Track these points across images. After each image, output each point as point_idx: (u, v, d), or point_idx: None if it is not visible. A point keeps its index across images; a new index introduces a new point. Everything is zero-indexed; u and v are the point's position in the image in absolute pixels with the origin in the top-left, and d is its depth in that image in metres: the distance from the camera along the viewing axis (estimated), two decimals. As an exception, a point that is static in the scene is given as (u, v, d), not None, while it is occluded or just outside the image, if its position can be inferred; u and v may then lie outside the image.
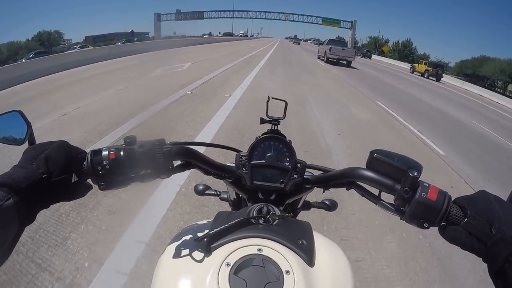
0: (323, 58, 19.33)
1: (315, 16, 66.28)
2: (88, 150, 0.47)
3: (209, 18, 71.74)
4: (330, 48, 17.26)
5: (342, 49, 17.59)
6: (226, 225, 0.48)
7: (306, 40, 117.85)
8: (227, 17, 72.62)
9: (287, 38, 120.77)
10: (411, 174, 0.42)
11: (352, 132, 4.65)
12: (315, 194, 0.77)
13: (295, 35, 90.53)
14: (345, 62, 17.94)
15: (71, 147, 0.46)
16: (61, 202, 0.44)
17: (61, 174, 0.42)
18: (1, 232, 0.35)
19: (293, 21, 68.25)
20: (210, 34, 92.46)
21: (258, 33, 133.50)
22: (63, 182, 0.43)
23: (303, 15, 67.55)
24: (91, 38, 65.37)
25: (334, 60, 17.47)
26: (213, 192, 0.82)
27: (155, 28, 65.22)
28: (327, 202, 0.80)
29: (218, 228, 0.47)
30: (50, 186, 0.41)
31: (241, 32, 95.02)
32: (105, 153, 0.45)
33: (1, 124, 0.53)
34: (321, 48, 20.73)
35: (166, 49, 16.64)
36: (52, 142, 0.45)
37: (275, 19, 69.03)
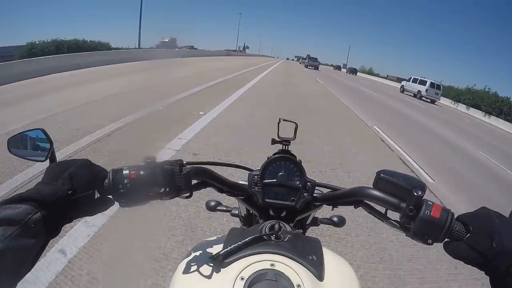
0: None
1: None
2: (109, 169, 0.48)
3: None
4: None
5: None
6: (240, 242, 0.50)
7: (339, 68, 57.22)
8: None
9: (292, 59, 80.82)
10: (415, 194, 0.44)
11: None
12: (323, 210, 0.70)
13: (308, 55, 44.19)
14: None
15: (93, 166, 0.48)
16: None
17: (85, 190, 0.44)
18: (28, 244, 0.36)
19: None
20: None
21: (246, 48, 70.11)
22: (86, 198, 0.45)
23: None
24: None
25: None
26: (224, 208, 0.84)
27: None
28: (335, 219, 0.82)
29: (232, 246, 0.49)
30: (74, 201, 0.43)
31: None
32: (126, 172, 0.46)
33: (24, 140, 0.55)
34: None
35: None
36: (75, 160, 0.47)
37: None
